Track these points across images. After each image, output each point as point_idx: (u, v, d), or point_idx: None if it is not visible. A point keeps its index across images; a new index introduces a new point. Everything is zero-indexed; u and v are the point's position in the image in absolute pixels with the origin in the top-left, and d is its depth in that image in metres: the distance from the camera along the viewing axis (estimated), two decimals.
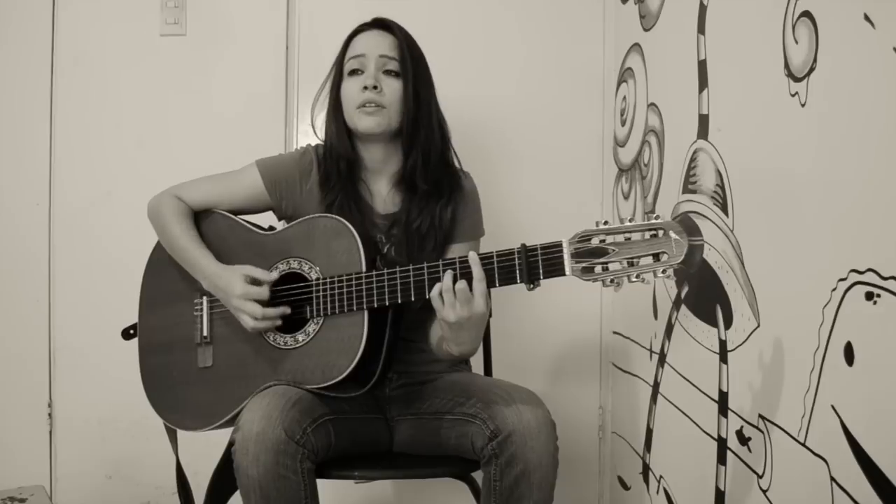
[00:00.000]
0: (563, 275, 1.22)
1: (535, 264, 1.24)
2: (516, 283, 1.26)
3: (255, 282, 1.41)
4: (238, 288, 1.41)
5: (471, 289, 1.26)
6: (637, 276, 1.16)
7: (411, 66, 1.51)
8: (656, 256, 1.16)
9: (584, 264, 1.19)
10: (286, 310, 1.42)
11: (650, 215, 1.17)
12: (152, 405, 1.54)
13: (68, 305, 2.13)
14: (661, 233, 1.15)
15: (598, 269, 1.18)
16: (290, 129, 2.16)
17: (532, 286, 1.25)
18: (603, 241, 1.18)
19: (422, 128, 1.53)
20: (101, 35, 2.14)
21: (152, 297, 1.59)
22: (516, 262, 1.25)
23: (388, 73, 1.51)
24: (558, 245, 1.22)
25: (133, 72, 2.14)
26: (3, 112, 2.14)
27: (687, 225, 1.17)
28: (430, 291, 1.30)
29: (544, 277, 1.24)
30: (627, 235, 1.17)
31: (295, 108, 2.16)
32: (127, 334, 1.60)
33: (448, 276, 1.27)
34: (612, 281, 1.18)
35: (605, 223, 1.19)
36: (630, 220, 1.18)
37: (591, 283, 1.20)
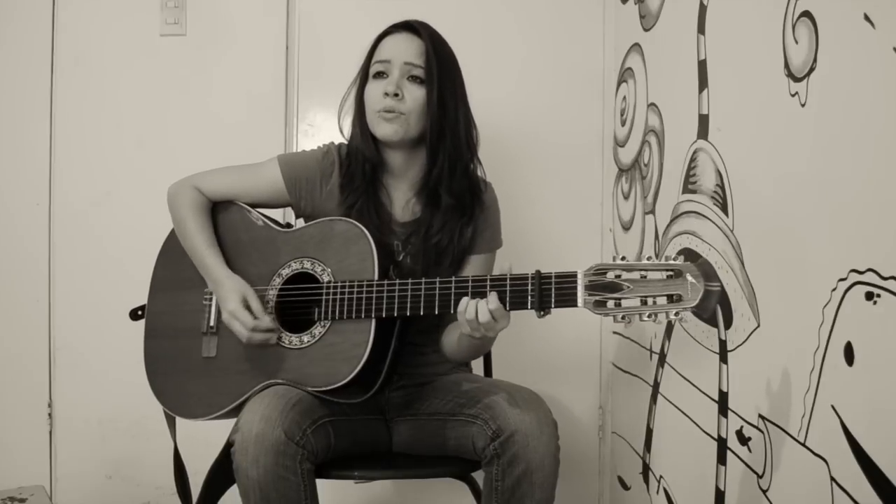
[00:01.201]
0: (575, 306, 1.22)
1: (548, 293, 1.24)
2: (527, 309, 1.26)
3: (249, 308, 1.41)
4: (230, 304, 1.41)
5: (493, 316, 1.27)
6: (649, 316, 1.16)
7: (438, 72, 1.48)
8: (670, 298, 1.16)
9: (596, 298, 1.19)
10: (273, 338, 1.41)
11: (669, 256, 1.18)
12: (152, 389, 1.54)
13: (68, 305, 2.13)
14: (677, 274, 1.16)
15: (611, 304, 1.19)
16: (289, 128, 2.16)
17: (542, 314, 1.25)
18: (618, 276, 1.19)
19: (448, 135, 1.50)
20: (101, 35, 2.14)
21: (163, 282, 1.59)
22: (529, 288, 1.25)
23: (412, 79, 1.48)
24: (573, 276, 1.22)
25: (133, 72, 2.14)
26: (3, 112, 2.14)
27: (705, 270, 1.17)
28: (439, 308, 1.32)
29: (555, 307, 1.24)
30: (644, 273, 1.17)
31: (295, 108, 2.16)
32: (135, 315, 1.61)
33: (494, 300, 1.26)
34: (623, 317, 1.18)
35: (623, 258, 1.19)
36: (648, 258, 1.18)
37: (601, 317, 1.21)
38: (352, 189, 1.52)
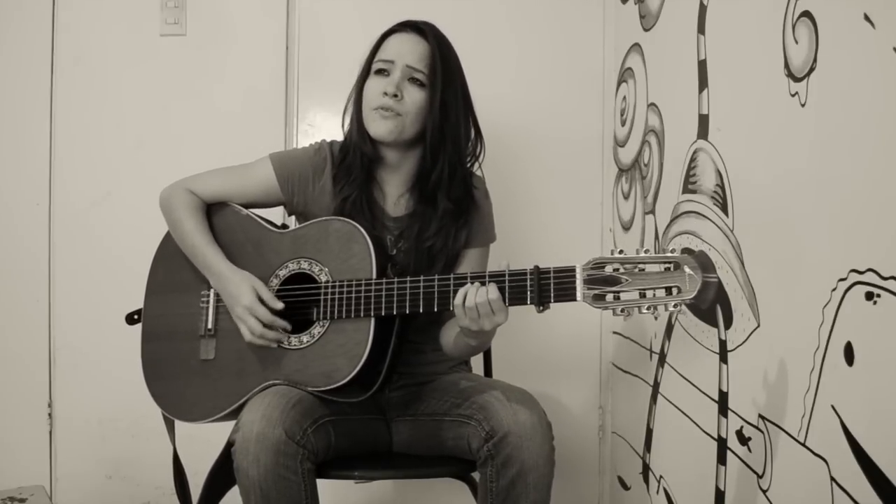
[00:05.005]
0: (574, 300, 1.22)
1: (547, 287, 1.24)
2: (526, 304, 1.26)
3: (261, 300, 1.41)
4: (246, 298, 1.40)
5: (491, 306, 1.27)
6: (648, 308, 1.17)
7: (442, 77, 1.48)
8: (669, 290, 1.17)
9: (595, 291, 1.20)
10: (282, 337, 1.40)
11: (666, 249, 1.18)
12: (151, 393, 1.53)
13: (68, 305, 2.13)
14: (675, 267, 1.16)
15: (610, 297, 1.19)
16: (290, 128, 2.16)
17: (542, 308, 1.26)
18: (616, 269, 1.20)
19: (449, 140, 1.50)
20: (102, 35, 2.14)
21: (159, 285, 1.58)
22: (528, 283, 1.25)
23: (412, 81, 1.48)
24: (571, 270, 1.23)
25: (133, 72, 2.14)
26: (3, 112, 2.14)
27: (702, 261, 1.18)
28: (438, 305, 1.32)
29: (555, 301, 1.24)
30: (642, 266, 1.18)
31: (295, 108, 2.16)
32: (131, 319, 1.60)
33: (493, 289, 1.27)
34: (622, 310, 1.19)
35: (621, 252, 1.20)
36: (646, 251, 1.19)
37: (600, 310, 1.21)
38: (347, 181, 1.52)
